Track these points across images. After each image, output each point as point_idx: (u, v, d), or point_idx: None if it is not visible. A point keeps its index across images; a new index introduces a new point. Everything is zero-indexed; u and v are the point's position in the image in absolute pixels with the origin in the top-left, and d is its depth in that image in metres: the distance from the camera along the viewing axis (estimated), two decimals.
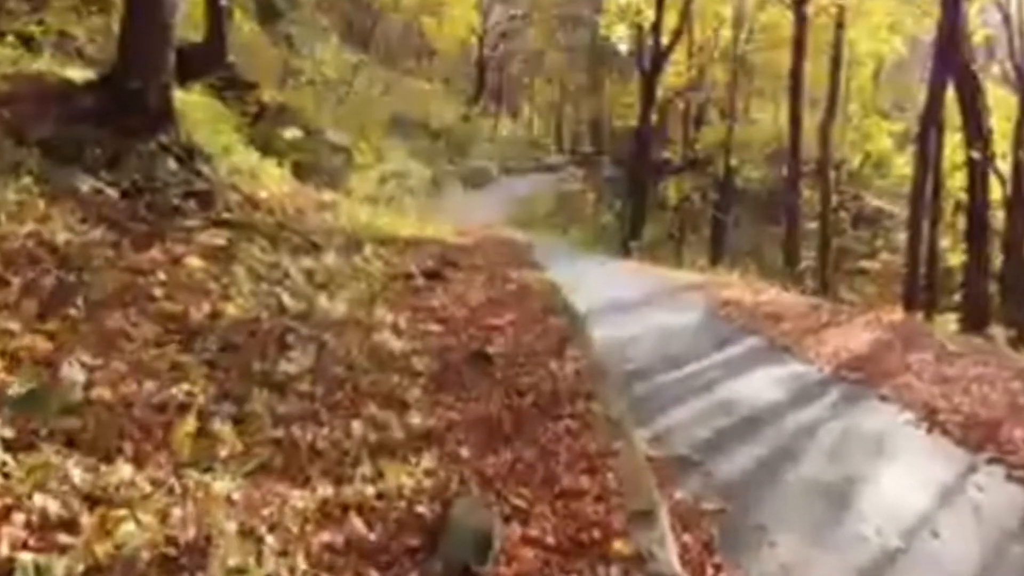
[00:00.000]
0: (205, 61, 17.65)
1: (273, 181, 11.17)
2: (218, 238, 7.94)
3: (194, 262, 6.89)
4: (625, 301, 13.17)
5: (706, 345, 10.78)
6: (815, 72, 27.69)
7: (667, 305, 13.33)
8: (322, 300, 7.33)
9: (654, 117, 22.89)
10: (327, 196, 12.05)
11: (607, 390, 6.51)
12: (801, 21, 16.79)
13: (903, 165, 21.67)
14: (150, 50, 9.19)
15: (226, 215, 8.76)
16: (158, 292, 6.65)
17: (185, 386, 5.15)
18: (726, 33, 25.30)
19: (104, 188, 7.63)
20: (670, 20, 21.61)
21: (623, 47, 16.11)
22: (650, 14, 19.99)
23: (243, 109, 15.73)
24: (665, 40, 21.60)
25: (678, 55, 23.82)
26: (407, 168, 33.09)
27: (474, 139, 40.57)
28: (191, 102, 11.06)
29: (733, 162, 26.31)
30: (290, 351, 6.21)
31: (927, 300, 16.26)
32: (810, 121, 27.02)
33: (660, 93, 23.21)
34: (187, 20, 20.06)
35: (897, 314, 14.07)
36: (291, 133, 12.01)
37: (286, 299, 7.10)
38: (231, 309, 6.65)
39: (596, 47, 34.88)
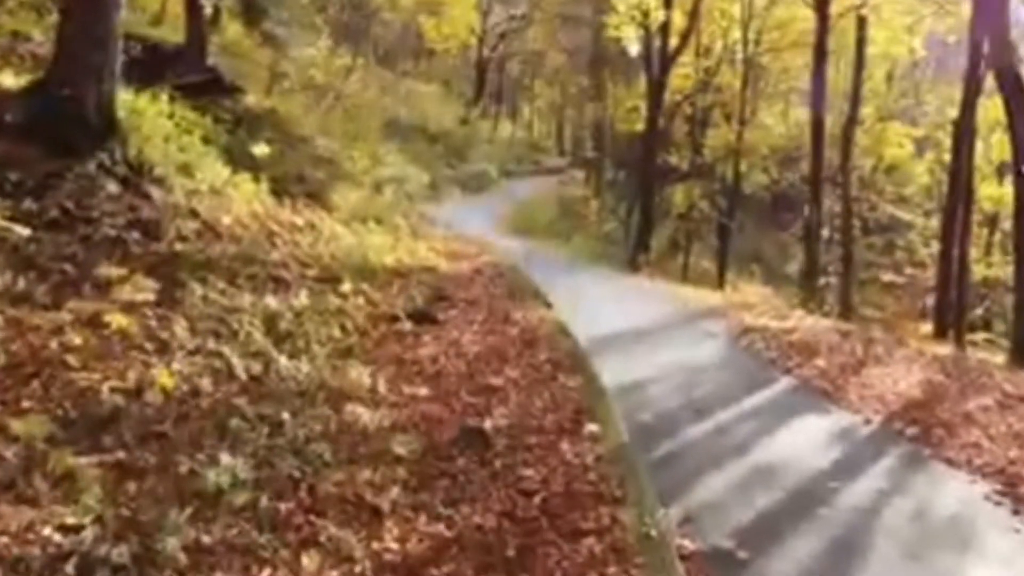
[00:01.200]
0: (184, 64, 16.23)
1: (245, 200, 9.68)
2: (160, 280, 6.48)
3: (120, 319, 5.42)
4: (638, 330, 11.74)
5: (734, 388, 9.37)
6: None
7: (684, 335, 11.89)
8: (283, 360, 5.87)
9: (661, 122, 21.41)
10: (307, 215, 10.57)
11: (638, 486, 5.03)
12: (824, 21, 15.32)
13: (922, 173, 20.23)
14: (90, 53, 7.71)
15: (178, 246, 7.29)
16: (72, 359, 5.20)
17: (70, 517, 3.70)
18: (735, 34, 23.80)
19: (19, 222, 6.16)
20: (678, 21, 20.15)
21: (634, 49, 14.69)
22: (659, 15, 18.50)
23: (219, 116, 14.24)
24: (673, 42, 20.14)
25: (685, 57, 22.32)
26: (404, 173, 31.57)
27: (473, 142, 39.08)
28: (147, 111, 9.57)
29: (742, 167, 24.83)
30: (232, 440, 4.76)
31: (956, 318, 14.80)
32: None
33: (667, 96, 21.73)
34: (168, 20, 18.71)
35: (940, 345, 12.70)
36: (260, 149, 10.52)
37: (236, 361, 5.64)
38: (164, 379, 5.20)
39: (598, 49, 33.34)
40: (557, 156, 51.08)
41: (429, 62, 47.12)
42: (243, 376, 5.47)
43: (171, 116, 11.57)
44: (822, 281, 17.03)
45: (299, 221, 9.71)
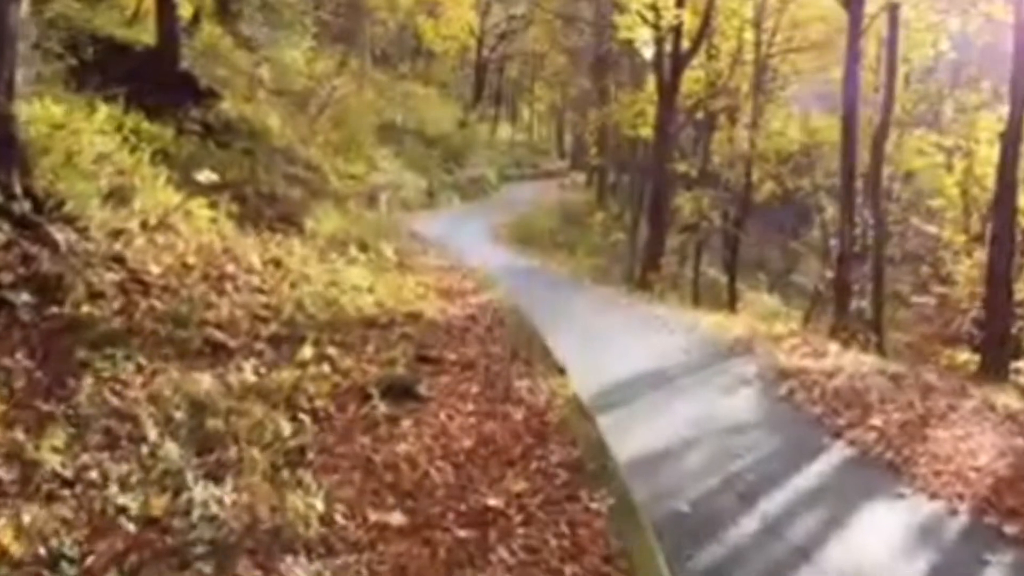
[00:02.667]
0: (154, 68, 14.46)
1: (195, 233, 7.91)
2: (49, 360, 4.72)
3: None
4: (660, 373, 9.99)
5: (780, 459, 7.61)
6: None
7: (713, 380, 10.10)
8: (199, 489, 4.08)
9: (673, 127, 19.64)
10: (274, 248, 8.80)
11: None
12: (856, 21, 13.53)
13: (952, 184, 18.48)
14: None
15: (85, 309, 5.51)
16: None
17: None
18: (748, 36, 22.00)
19: None
20: (690, 22, 18.37)
21: (648, 52, 12.99)
22: (672, 15, 16.71)
23: (185, 126, 12.46)
24: (686, 43, 18.35)
25: (695, 59, 20.51)
26: (400, 179, 29.87)
27: (472, 145, 37.30)
28: (77, 127, 7.78)
29: (755, 175, 23.07)
30: None
31: (1007, 352, 12.99)
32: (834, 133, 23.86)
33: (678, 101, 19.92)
34: (146, 21, 16.90)
35: (999, 389, 10.91)
36: (205, 176, 8.74)
37: (126, 498, 3.86)
38: (6, 540, 3.44)
39: (601, 50, 31.58)
40: (557, 159, 49.38)
41: (427, 64, 45.31)
42: (131, 526, 3.70)
43: (119, 129, 9.82)
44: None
45: (260, 259, 7.92)
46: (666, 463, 7.04)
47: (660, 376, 9.97)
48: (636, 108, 23.47)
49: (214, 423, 4.78)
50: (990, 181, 17.64)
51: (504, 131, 47.01)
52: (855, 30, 13.59)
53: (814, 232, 29.39)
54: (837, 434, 8.36)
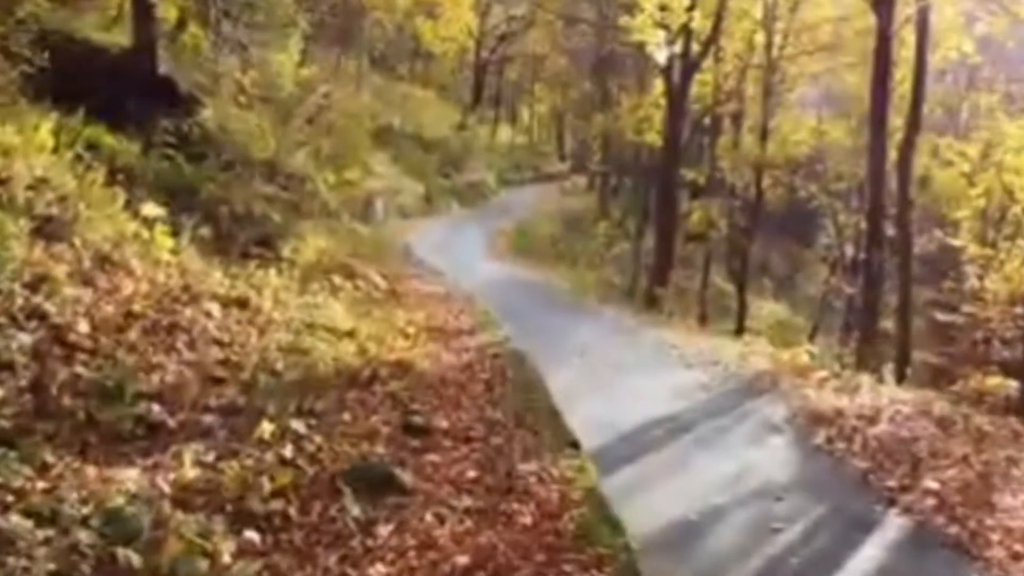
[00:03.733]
0: (130, 73, 13.24)
1: (149, 269, 6.69)
2: None
3: None
4: (678, 420, 8.81)
5: (828, 536, 6.46)
6: (860, 83, 23.31)
7: (737, 426, 8.88)
8: None
9: (685, 134, 18.42)
10: (243, 284, 7.57)
11: None
12: (887, 26, 12.28)
13: (976, 197, 17.23)
14: None
15: None
16: None
17: None
18: (758, 38, 20.73)
19: None
20: (700, 24, 17.11)
21: (661, 56, 11.77)
22: (683, 16, 15.47)
23: (157, 138, 11.21)
24: (696, 47, 17.12)
25: (704, 63, 19.27)
26: (397, 185, 28.61)
27: (471, 149, 36.03)
28: (4, 144, 6.53)
29: (765, 182, 21.85)
30: None
31: None
32: (853, 142, 22.65)
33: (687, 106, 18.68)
34: (121, 23, 15.65)
35: None
36: (151, 209, 7.44)
37: None
38: None
39: (603, 52, 30.34)
40: (558, 161, 48.10)
41: (426, 66, 44.05)
42: None
43: (71, 145, 8.59)
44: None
45: (224, 299, 6.70)
46: (694, 543, 5.90)
47: (678, 423, 8.77)
48: (641, 113, 22.21)
49: (127, 556, 3.55)
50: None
51: (504, 133, 45.74)
52: (885, 33, 12.36)
53: (823, 239, 28.24)
54: (890, 500, 7.17)
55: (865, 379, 10.98)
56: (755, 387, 10.17)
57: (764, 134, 21.22)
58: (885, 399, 10.00)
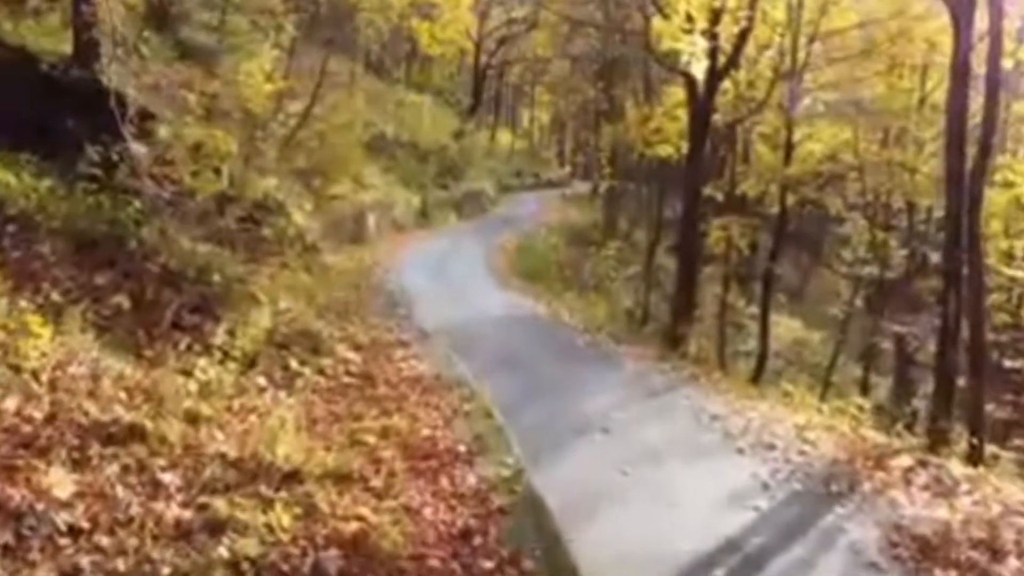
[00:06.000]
0: (68, 85, 10.91)
1: (10, 377, 4.33)
2: None
3: None
4: (736, 547, 6.55)
5: None
6: (884, 88, 21.01)
7: (823, 559, 6.56)
8: None
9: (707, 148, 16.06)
10: (149, 380, 5.23)
11: None
12: (967, 28, 9.94)
13: None
14: None
15: None
16: None
17: None
18: (784, 42, 18.35)
19: None
20: (727, 29, 14.75)
21: (699, 69, 9.54)
22: (707, 20, 13.04)
23: (81, 170, 8.81)
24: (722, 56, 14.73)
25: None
26: (391, 198, 26.20)
27: (469, 157, 33.62)
28: None
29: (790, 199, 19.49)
30: None
31: None
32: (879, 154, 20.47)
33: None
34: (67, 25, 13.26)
35: None
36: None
37: None
38: None
39: (609, 57, 27.97)
40: (558, 167, 45.77)
41: (422, 69, 41.59)
42: None
43: None
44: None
45: (99, 439, 4.33)
46: None
47: (743, 556, 6.45)
48: (654, 124, 19.81)
49: None
50: None
51: (503, 139, 43.33)
52: (964, 37, 9.99)
53: (844, 254, 25.87)
54: None
55: (956, 468, 8.65)
56: (830, 488, 7.82)
57: (788, 147, 18.89)
58: (996, 507, 7.69)
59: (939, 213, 22.93)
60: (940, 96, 21.51)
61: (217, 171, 9.26)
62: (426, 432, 6.38)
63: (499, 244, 24.12)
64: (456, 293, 16.37)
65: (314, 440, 5.53)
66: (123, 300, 6.77)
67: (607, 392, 10.37)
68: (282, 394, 6.30)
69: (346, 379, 7.14)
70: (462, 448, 6.19)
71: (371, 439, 5.79)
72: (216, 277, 7.51)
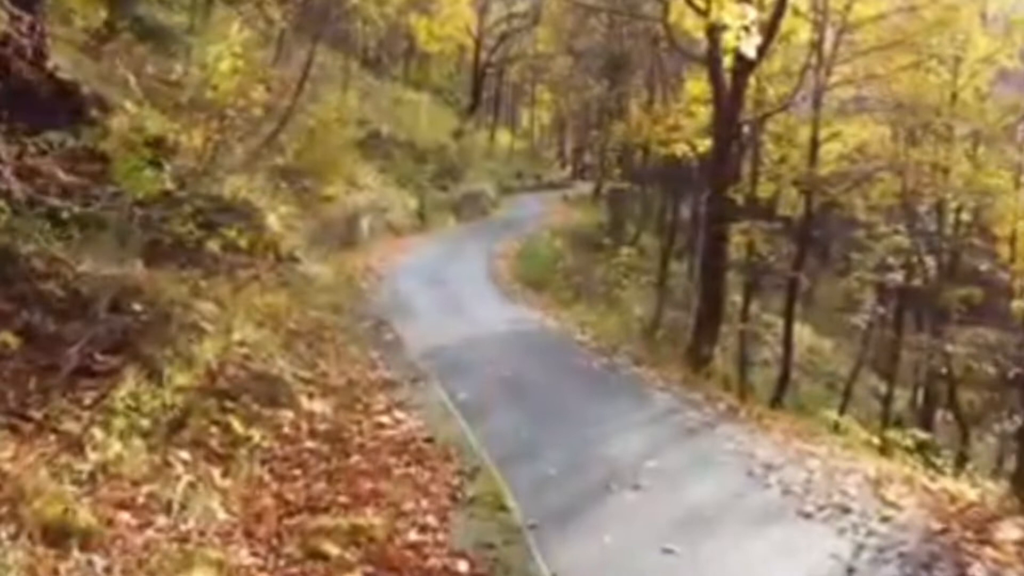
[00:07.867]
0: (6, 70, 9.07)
1: None
2: None
3: None
4: None
5: None
6: (914, 82, 19.21)
7: None
8: None
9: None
10: (44, 472, 3.45)
11: None
12: None
13: None
14: None
15: None
16: None
17: None
18: (810, 35, 16.61)
19: None
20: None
21: (750, 46, 8.16)
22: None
23: None
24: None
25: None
26: (386, 200, 24.36)
27: (469, 158, 31.81)
28: None
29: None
30: None
31: None
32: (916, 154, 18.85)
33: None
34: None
35: None
36: None
37: None
38: None
39: (614, 51, 26.20)
40: (559, 168, 43.98)
41: (420, 66, 39.73)
42: None
43: None
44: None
45: None
46: None
47: None
48: (671, 122, 18.02)
49: None
50: None
51: (503, 139, 41.49)
52: None
53: (866, 259, 24.08)
54: None
55: None
56: (928, 570, 6.03)
57: (814, 146, 17.13)
58: None
59: (966, 216, 21.41)
60: (971, 91, 19.94)
61: (158, 166, 7.41)
62: (412, 536, 4.46)
63: (501, 250, 22.33)
64: (454, 306, 14.58)
65: (253, 552, 3.73)
66: (7, 337, 4.94)
67: (634, 432, 8.56)
68: (216, 472, 4.47)
69: (309, 443, 5.28)
70: (462, 568, 4.29)
71: (333, 549, 3.96)
72: (144, 303, 5.69)
